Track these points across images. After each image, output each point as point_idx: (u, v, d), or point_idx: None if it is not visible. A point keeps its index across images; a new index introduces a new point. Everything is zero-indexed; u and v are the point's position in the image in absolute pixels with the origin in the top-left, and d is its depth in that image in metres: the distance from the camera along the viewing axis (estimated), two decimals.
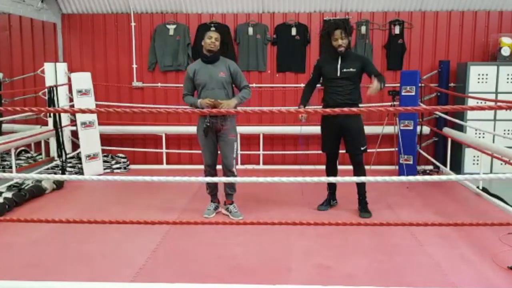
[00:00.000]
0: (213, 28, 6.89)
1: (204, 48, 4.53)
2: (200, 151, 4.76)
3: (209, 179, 3.08)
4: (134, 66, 7.16)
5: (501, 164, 5.77)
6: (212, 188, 4.79)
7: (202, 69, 4.53)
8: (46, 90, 6.45)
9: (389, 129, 6.57)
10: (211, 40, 4.47)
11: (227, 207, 4.79)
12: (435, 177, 2.60)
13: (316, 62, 4.87)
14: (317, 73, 4.78)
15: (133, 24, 7.07)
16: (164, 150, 7.18)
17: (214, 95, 4.44)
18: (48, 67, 6.78)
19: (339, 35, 4.51)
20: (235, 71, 4.58)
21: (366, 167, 4.85)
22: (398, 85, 6.48)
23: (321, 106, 4.87)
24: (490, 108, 2.44)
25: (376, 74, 4.48)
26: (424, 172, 6.79)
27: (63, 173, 6.47)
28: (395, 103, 6.47)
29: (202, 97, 4.50)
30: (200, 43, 6.97)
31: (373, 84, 4.37)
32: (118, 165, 6.95)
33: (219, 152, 4.71)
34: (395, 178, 2.64)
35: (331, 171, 4.88)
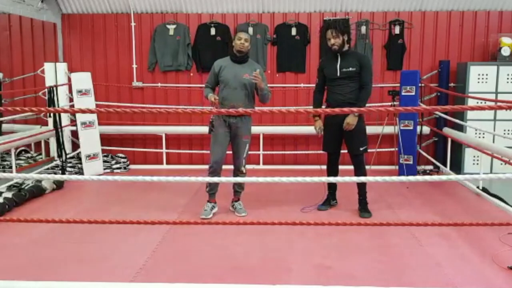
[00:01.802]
0: (213, 28, 6.90)
1: (234, 48, 4.60)
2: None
3: (209, 179, 3.08)
4: (134, 66, 7.16)
5: (501, 164, 5.76)
6: (213, 186, 4.75)
7: (229, 67, 4.59)
8: (46, 90, 6.44)
9: (389, 129, 6.57)
10: (241, 41, 4.54)
11: (233, 204, 4.88)
12: (435, 177, 2.61)
13: (318, 65, 4.88)
14: (322, 75, 4.76)
15: (133, 24, 7.07)
16: (164, 150, 7.18)
17: (235, 95, 4.53)
18: (48, 67, 6.78)
19: (330, 34, 4.54)
20: (261, 76, 4.62)
21: (366, 167, 4.85)
22: (398, 85, 6.48)
23: (325, 106, 4.87)
24: (490, 108, 2.45)
25: (363, 85, 4.56)
26: (424, 172, 6.79)
27: (63, 173, 6.47)
28: (395, 103, 6.47)
29: (223, 94, 4.57)
30: (200, 43, 7.07)
31: (347, 119, 4.53)
32: (118, 165, 6.95)
33: (227, 151, 4.73)
34: (395, 178, 2.65)
35: (332, 171, 4.88)
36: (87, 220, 2.68)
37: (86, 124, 6.62)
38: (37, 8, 6.53)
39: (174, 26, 7.00)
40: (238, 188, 4.86)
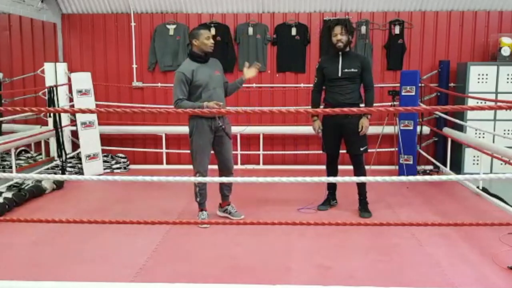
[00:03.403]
0: (213, 28, 6.89)
1: (202, 48, 4.33)
2: None
3: (210, 179, 3.08)
4: (134, 66, 7.15)
5: (501, 164, 5.76)
6: (204, 195, 4.59)
7: (201, 69, 4.32)
8: (46, 90, 6.45)
9: (389, 129, 6.57)
10: (210, 40, 4.35)
11: (225, 209, 4.72)
12: (435, 177, 2.60)
13: (317, 65, 4.85)
14: (321, 75, 4.74)
15: (133, 24, 7.07)
16: (164, 150, 7.18)
17: (217, 95, 4.35)
18: (48, 67, 6.78)
19: (339, 30, 4.52)
20: (222, 70, 4.59)
21: (366, 167, 4.85)
22: (398, 85, 6.48)
23: (322, 106, 4.87)
24: (490, 108, 2.45)
25: (367, 87, 4.64)
26: (424, 172, 6.78)
27: (63, 173, 6.47)
28: (395, 103, 6.47)
29: (204, 97, 4.28)
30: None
31: (362, 122, 4.60)
32: (118, 165, 6.94)
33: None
34: (395, 178, 2.64)
35: (332, 171, 4.88)
36: (87, 220, 2.68)
37: (86, 124, 6.62)
38: (37, 8, 6.53)
39: (174, 26, 7.00)
40: (227, 192, 4.68)
